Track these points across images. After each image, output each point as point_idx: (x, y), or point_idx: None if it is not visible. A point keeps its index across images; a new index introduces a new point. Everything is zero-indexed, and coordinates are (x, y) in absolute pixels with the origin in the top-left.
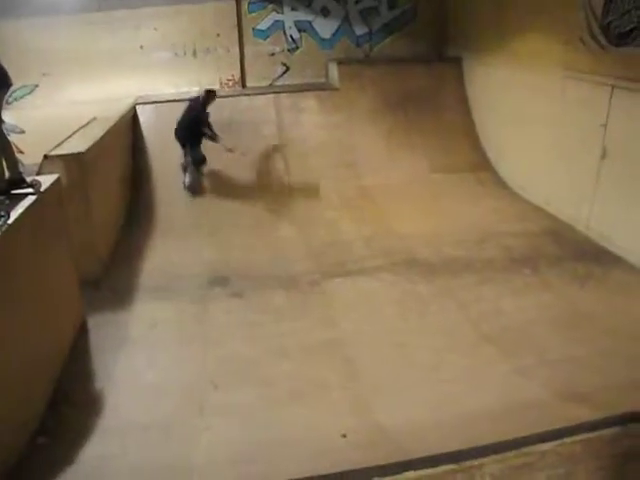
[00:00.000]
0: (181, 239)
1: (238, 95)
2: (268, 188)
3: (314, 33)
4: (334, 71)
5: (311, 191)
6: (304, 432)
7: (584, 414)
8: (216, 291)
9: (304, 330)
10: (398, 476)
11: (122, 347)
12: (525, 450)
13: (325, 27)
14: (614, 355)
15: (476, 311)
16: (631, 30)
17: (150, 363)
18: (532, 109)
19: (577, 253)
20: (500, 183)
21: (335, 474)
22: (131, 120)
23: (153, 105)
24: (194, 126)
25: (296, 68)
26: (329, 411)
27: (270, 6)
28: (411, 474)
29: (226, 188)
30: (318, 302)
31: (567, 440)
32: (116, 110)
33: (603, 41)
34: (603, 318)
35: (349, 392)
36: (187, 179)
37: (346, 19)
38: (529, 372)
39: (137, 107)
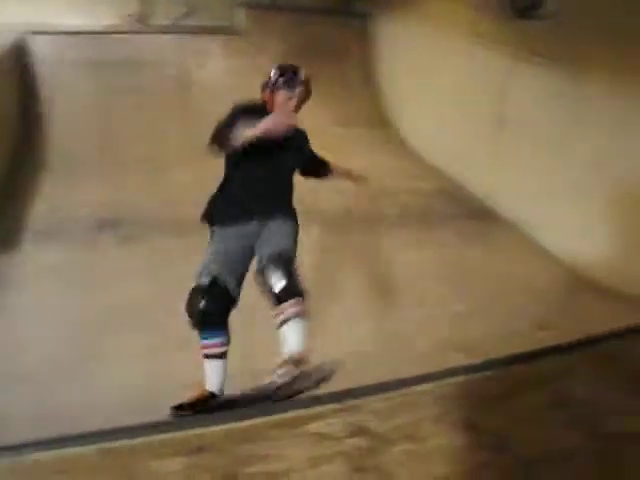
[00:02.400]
0: (72, 178)
1: (138, 32)
2: (167, 131)
3: None
4: (241, 15)
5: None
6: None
7: (464, 361)
8: (106, 235)
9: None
10: (285, 414)
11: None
12: (405, 390)
13: None
14: (493, 308)
15: (371, 264)
16: (533, 4)
17: (31, 310)
18: (437, 70)
19: (467, 212)
20: (400, 140)
21: (225, 414)
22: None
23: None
24: None
25: (201, 8)
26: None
27: None
28: (296, 413)
29: (122, 130)
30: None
31: (443, 382)
32: None
33: (509, 12)
34: (485, 274)
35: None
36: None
37: None
38: (415, 324)
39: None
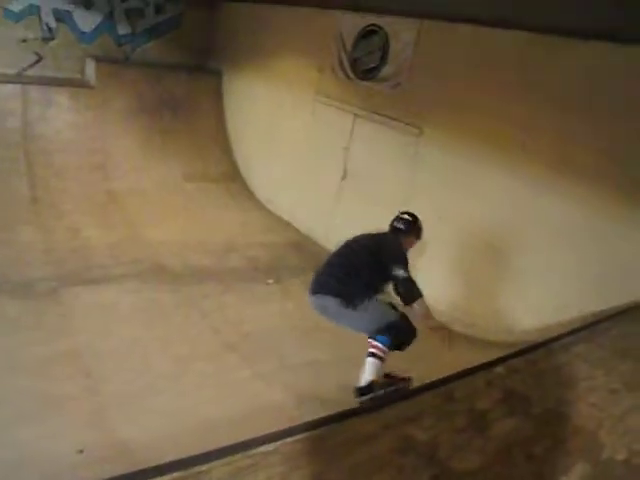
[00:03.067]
0: None
1: None
2: (5, 187)
3: (73, 25)
4: (91, 68)
5: (55, 192)
6: (36, 452)
7: (316, 413)
8: None
9: (40, 341)
10: None
11: None
12: (251, 452)
13: (86, 20)
14: (348, 359)
15: (219, 319)
16: (373, 68)
17: None
18: (285, 126)
19: (318, 264)
20: (249, 195)
21: None
22: None
23: None
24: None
25: (50, 59)
26: (65, 427)
27: None
28: None
29: None
30: (56, 311)
31: (289, 440)
32: None
33: (350, 74)
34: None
35: (87, 405)
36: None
37: (110, 16)
38: (269, 377)
39: None
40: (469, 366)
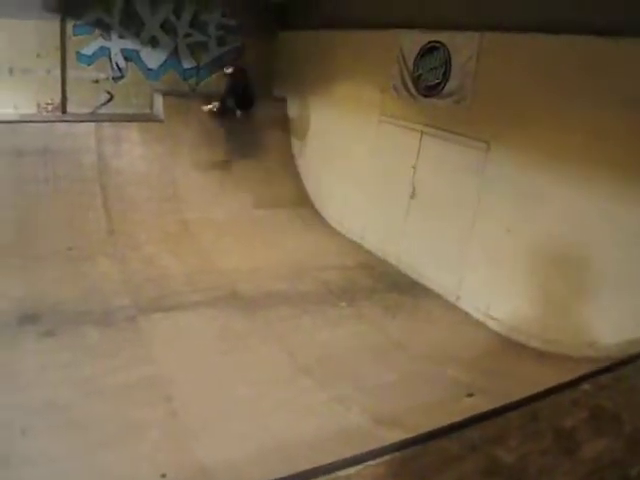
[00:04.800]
0: None
1: (57, 121)
2: (84, 220)
3: (141, 63)
4: (159, 103)
5: (130, 224)
6: (122, 476)
7: (396, 436)
8: (26, 330)
9: (121, 369)
10: None
11: None
12: (332, 476)
13: (152, 58)
14: (422, 378)
15: (293, 343)
16: (436, 84)
17: None
18: (351, 149)
19: (390, 285)
20: (319, 219)
21: None
22: None
23: None
24: None
25: (121, 97)
26: (148, 451)
27: (97, 31)
28: None
29: (41, 217)
30: (135, 339)
31: (371, 463)
32: None
33: (413, 91)
34: (412, 345)
35: (168, 431)
36: None
37: (174, 52)
38: (346, 400)
39: None
40: (552, 384)
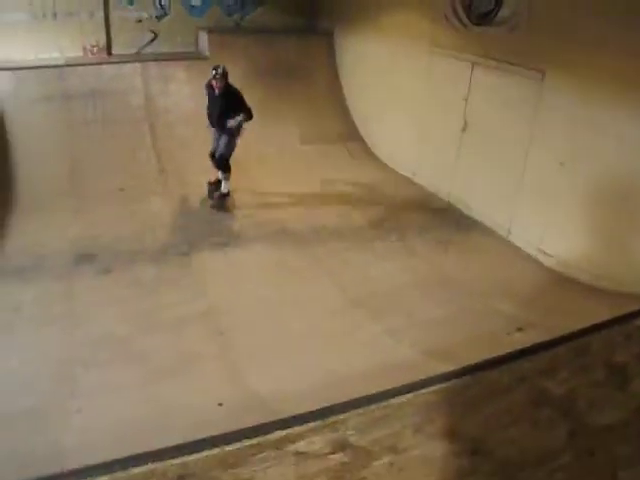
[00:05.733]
0: (44, 214)
1: (103, 63)
2: (134, 160)
3: (184, 0)
4: (204, 40)
5: (180, 163)
6: (181, 405)
7: (446, 368)
8: (83, 268)
9: (176, 303)
10: (269, 436)
11: None
12: (384, 403)
13: None
14: (472, 312)
15: (344, 278)
16: (489, 11)
17: (15, 348)
18: (400, 82)
19: (441, 220)
20: (369, 154)
21: (205, 439)
22: None
23: (10, 72)
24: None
25: (165, 36)
26: (205, 382)
27: None
28: (280, 433)
29: (92, 159)
30: (189, 274)
31: (423, 391)
32: None
33: (465, 20)
34: (463, 279)
35: (224, 362)
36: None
37: None
38: (398, 333)
39: None
40: (604, 318)
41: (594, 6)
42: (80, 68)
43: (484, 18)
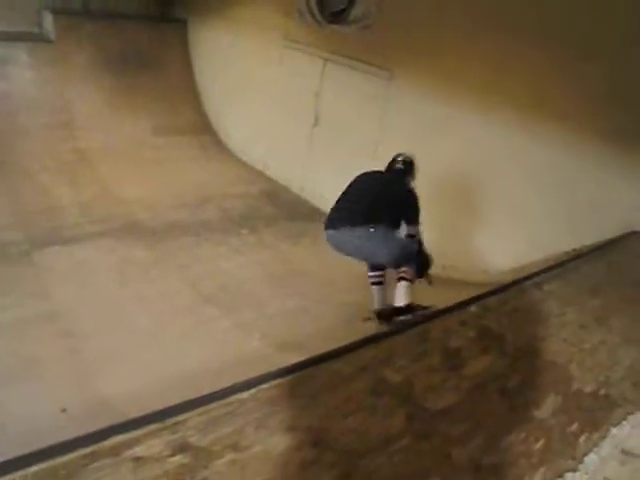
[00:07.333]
0: None
1: None
2: None
3: None
4: (49, 21)
5: (21, 153)
6: (19, 413)
7: (296, 360)
8: None
9: (15, 305)
10: (104, 442)
11: None
12: (226, 400)
13: None
14: (325, 304)
15: (195, 273)
16: (342, 10)
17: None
18: (254, 75)
19: (292, 213)
20: (221, 147)
21: (34, 452)
22: None
23: None
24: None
25: (4, 12)
26: (48, 388)
27: None
28: (116, 439)
29: None
30: (30, 273)
31: (265, 386)
32: None
33: (318, 17)
34: (315, 272)
35: (69, 365)
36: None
37: None
38: (248, 327)
39: None
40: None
41: (429, 14)
42: None
43: (337, 16)
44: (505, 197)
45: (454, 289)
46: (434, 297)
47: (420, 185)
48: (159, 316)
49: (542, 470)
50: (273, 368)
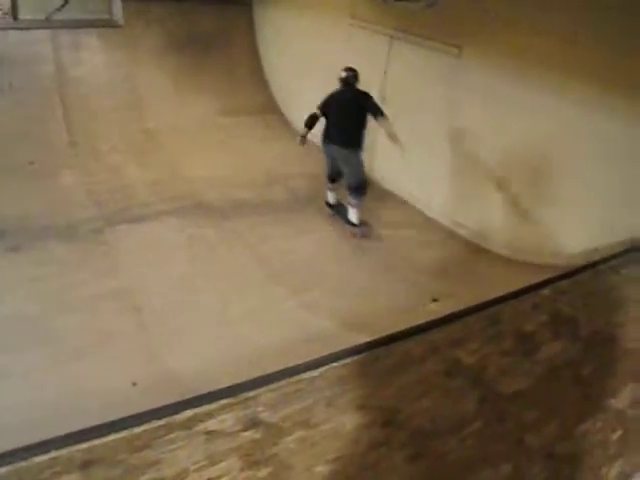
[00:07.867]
0: None
1: (9, 28)
2: (45, 133)
3: None
4: (118, 7)
5: (93, 135)
6: (93, 386)
7: (363, 339)
8: None
9: (89, 281)
10: (177, 416)
11: None
12: (297, 378)
13: None
14: (391, 284)
15: (262, 251)
16: None
17: None
18: (319, 55)
19: None
20: (288, 126)
21: (112, 422)
22: None
23: None
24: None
25: (77, 1)
26: (119, 362)
27: None
28: (189, 413)
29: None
30: (102, 251)
31: (334, 365)
32: None
33: None
34: (381, 251)
35: (139, 341)
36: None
37: None
38: (315, 306)
39: None
40: (515, 289)
41: None
42: None
43: None
44: (578, 176)
45: (524, 271)
46: (506, 280)
47: (489, 163)
48: (227, 293)
49: (620, 462)
50: (340, 347)
